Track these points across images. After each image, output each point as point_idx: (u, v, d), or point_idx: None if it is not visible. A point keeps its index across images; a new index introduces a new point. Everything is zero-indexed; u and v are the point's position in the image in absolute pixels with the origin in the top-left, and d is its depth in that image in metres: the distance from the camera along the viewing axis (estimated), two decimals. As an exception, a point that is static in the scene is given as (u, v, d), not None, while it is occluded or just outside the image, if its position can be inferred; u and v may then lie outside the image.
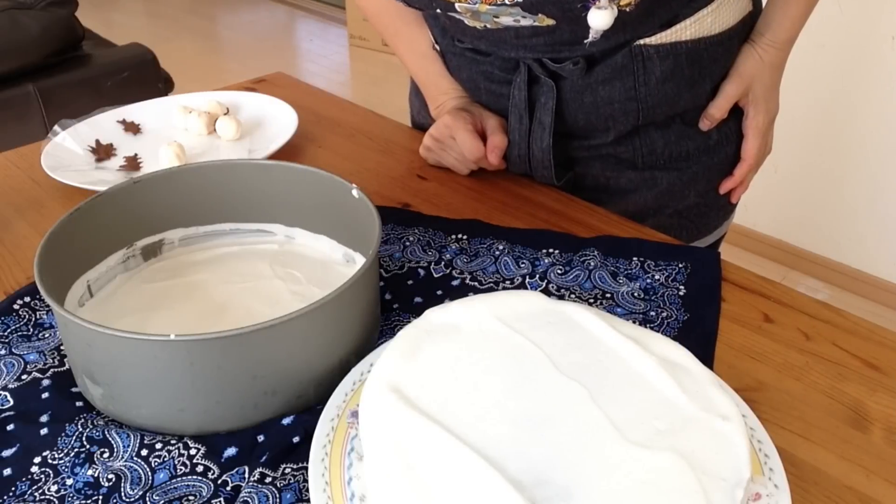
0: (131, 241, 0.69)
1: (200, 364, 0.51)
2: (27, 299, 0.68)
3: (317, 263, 0.71)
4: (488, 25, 0.76)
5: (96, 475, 0.51)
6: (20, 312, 0.67)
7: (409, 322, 0.55)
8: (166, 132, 1.01)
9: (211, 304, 0.66)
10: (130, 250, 0.69)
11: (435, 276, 0.71)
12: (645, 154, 0.85)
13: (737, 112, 0.86)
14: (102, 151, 0.95)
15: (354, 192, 0.65)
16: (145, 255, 0.71)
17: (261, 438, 0.54)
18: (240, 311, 0.65)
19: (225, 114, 1.02)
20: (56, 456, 0.53)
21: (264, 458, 0.52)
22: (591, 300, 0.68)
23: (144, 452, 0.53)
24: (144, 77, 2.10)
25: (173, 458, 0.53)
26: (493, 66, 0.84)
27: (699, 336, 0.64)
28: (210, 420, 0.54)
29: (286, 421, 0.54)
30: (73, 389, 0.59)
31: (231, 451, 0.53)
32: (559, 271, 0.71)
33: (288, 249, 0.73)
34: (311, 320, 0.53)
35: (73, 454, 0.53)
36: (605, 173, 0.88)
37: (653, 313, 0.66)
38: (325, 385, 0.56)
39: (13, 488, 0.51)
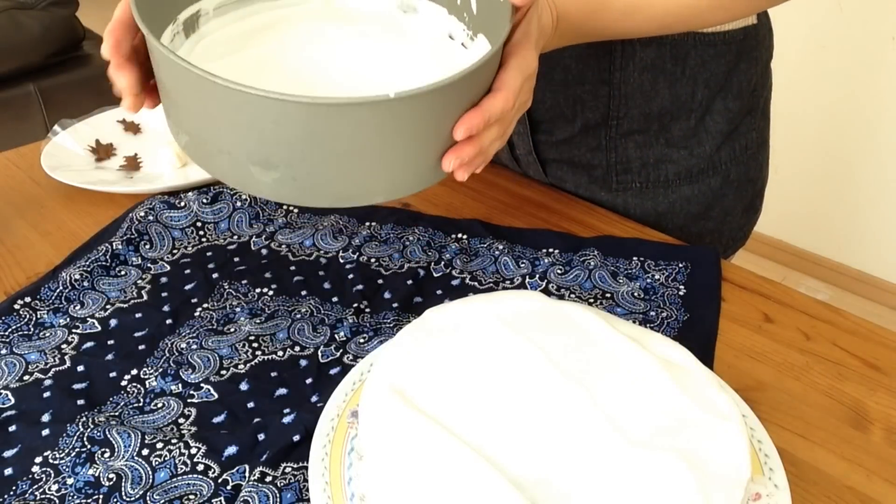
0: (174, 15, 0.56)
1: (414, 121, 0.46)
2: (27, 299, 0.68)
3: (374, 17, 0.61)
4: None
5: (97, 475, 0.52)
6: (21, 312, 0.67)
7: (409, 322, 0.55)
8: (166, 132, 1.00)
9: (318, 71, 0.56)
10: (175, 27, 0.56)
11: (435, 276, 0.71)
12: (619, 171, 0.82)
13: (730, 137, 0.82)
14: (102, 151, 0.95)
15: None
16: (186, 32, 0.57)
17: (261, 437, 0.54)
18: (368, 75, 0.56)
19: (225, 114, 1.02)
20: (57, 455, 0.53)
21: (264, 457, 0.52)
22: (591, 300, 0.68)
23: (145, 452, 0.53)
24: (145, 77, 2.09)
25: (174, 457, 0.53)
26: None
27: (699, 336, 0.64)
28: (400, 182, 0.50)
29: (286, 420, 0.54)
30: (75, 387, 0.59)
31: (231, 450, 0.53)
32: (559, 271, 0.71)
33: (335, 6, 0.62)
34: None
35: (73, 454, 0.53)
36: (578, 191, 0.85)
37: (653, 313, 0.66)
38: None
39: (14, 487, 0.51)
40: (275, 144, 0.45)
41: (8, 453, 0.54)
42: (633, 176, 0.82)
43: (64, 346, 0.64)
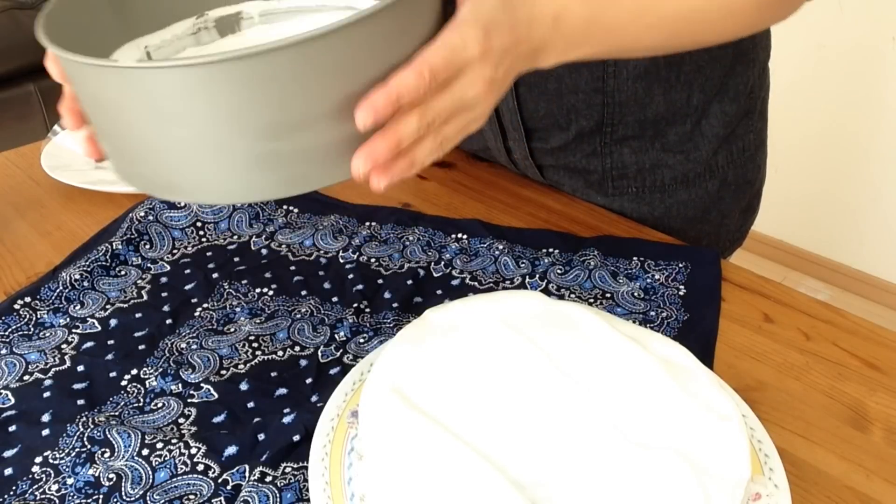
0: (202, 9, 0.55)
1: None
2: (27, 299, 0.68)
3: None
4: None
5: (97, 475, 0.52)
6: (21, 312, 0.67)
7: (409, 322, 0.55)
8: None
9: None
10: (202, 20, 0.55)
11: (435, 276, 0.71)
12: (615, 177, 0.82)
13: (727, 140, 0.81)
14: (103, 151, 0.95)
15: None
16: (220, 30, 0.57)
17: (261, 437, 0.54)
18: None
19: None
20: (57, 455, 0.53)
21: (265, 456, 0.52)
22: (591, 300, 0.68)
23: (145, 452, 0.53)
24: (145, 77, 2.09)
25: (174, 457, 0.53)
26: None
27: (699, 336, 0.64)
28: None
29: (287, 420, 0.54)
30: (75, 387, 0.59)
31: (231, 450, 0.53)
32: (559, 271, 0.71)
33: None
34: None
35: (73, 454, 0.53)
36: (575, 195, 0.85)
37: (653, 313, 0.66)
38: None
39: (14, 487, 0.51)
40: (102, 115, 0.42)
41: (8, 453, 0.54)
42: (629, 181, 0.82)
43: (64, 346, 0.64)
